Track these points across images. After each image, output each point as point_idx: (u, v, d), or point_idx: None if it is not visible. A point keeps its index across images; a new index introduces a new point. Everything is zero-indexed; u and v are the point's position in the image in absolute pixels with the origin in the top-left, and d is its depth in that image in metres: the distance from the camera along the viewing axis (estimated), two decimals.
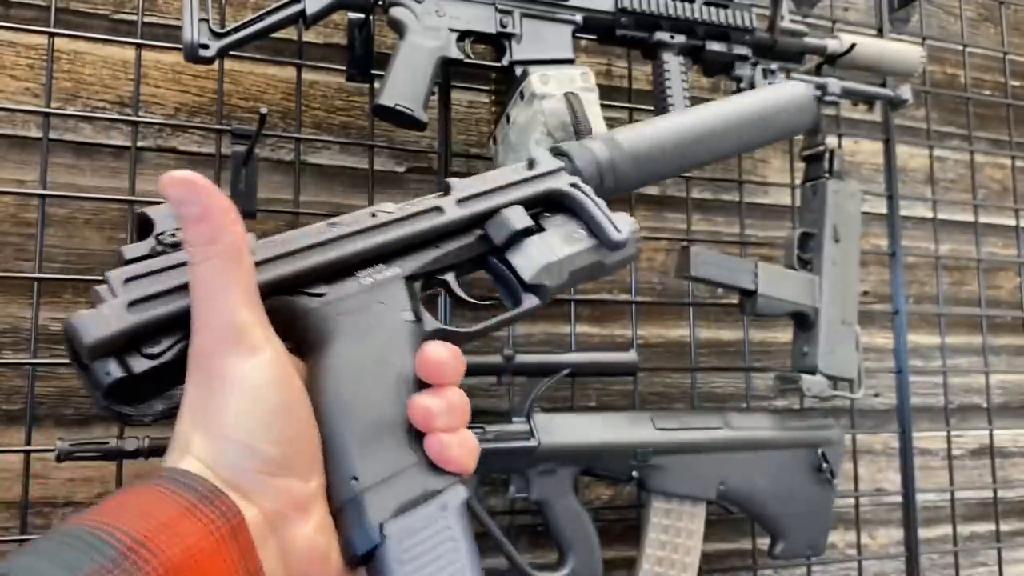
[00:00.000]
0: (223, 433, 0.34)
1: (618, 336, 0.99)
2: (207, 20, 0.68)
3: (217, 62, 0.75)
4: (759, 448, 0.86)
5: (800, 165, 0.99)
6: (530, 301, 0.46)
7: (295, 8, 0.71)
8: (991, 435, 1.16)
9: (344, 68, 0.83)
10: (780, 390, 0.91)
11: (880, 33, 1.09)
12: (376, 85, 0.81)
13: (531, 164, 0.50)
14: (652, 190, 1.03)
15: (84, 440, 0.65)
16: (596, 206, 0.48)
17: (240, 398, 0.34)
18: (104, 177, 0.81)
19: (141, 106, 0.81)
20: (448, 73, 0.83)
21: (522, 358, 0.78)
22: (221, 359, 0.35)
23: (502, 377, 0.78)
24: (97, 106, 0.81)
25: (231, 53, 0.71)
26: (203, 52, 0.68)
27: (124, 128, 0.80)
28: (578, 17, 0.80)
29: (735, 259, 0.89)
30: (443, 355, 0.40)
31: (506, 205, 0.46)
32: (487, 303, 0.48)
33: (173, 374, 0.36)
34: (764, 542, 0.93)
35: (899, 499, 1.06)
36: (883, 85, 1.01)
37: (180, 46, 0.68)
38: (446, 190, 0.47)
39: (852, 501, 1.04)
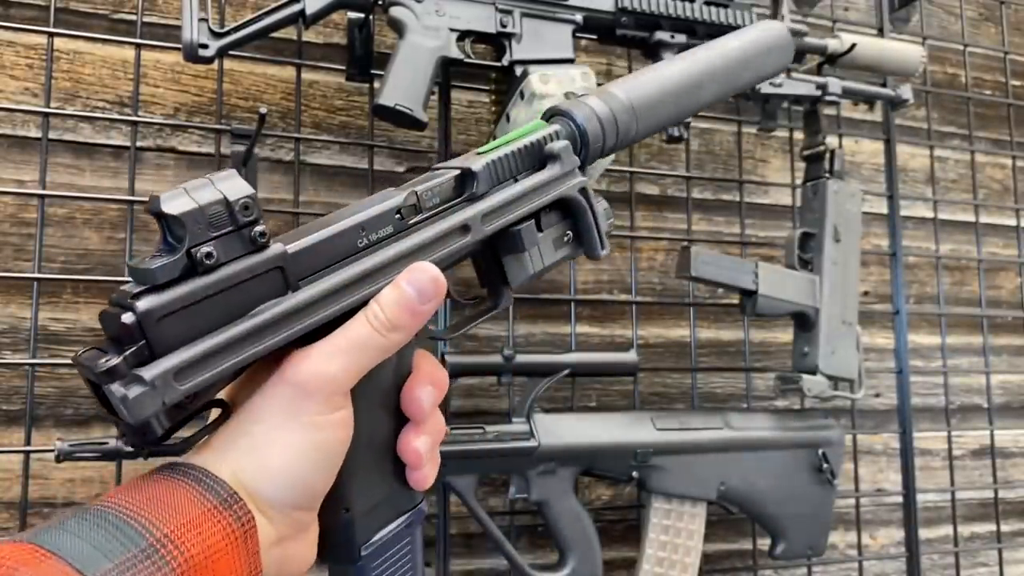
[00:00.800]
0: (274, 466, 0.36)
1: (618, 336, 0.99)
2: (206, 20, 0.68)
3: (216, 62, 0.75)
4: (759, 448, 0.86)
5: (800, 165, 0.99)
6: (508, 300, 0.47)
7: (295, 8, 0.71)
8: (992, 435, 1.16)
9: (344, 68, 0.83)
10: (780, 390, 0.91)
11: (880, 33, 1.09)
12: (376, 85, 0.81)
13: (550, 155, 0.47)
14: (652, 190, 1.03)
15: (83, 440, 0.65)
16: (594, 217, 0.48)
17: (307, 445, 0.36)
18: (104, 177, 0.81)
19: (141, 106, 0.81)
20: (448, 73, 0.83)
21: (522, 358, 0.78)
22: (304, 402, 0.36)
23: (502, 377, 0.78)
24: (97, 106, 0.81)
25: (231, 53, 0.71)
26: (202, 52, 0.68)
27: (124, 128, 0.80)
28: (578, 17, 0.80)
29: (735, 259, 0.89)
30: (428, 397, 0.41)
31: (524, 218, 0.45)
32: (473, 300, 0.48)
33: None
34: (764, 543, 0.93)
35: (900, 499, 1.06)
36: (883, 85, 1.01)
37: (180, 46, 0.68)
38: (470, 181, 0.43)
39: (853, 501, 1.04)
